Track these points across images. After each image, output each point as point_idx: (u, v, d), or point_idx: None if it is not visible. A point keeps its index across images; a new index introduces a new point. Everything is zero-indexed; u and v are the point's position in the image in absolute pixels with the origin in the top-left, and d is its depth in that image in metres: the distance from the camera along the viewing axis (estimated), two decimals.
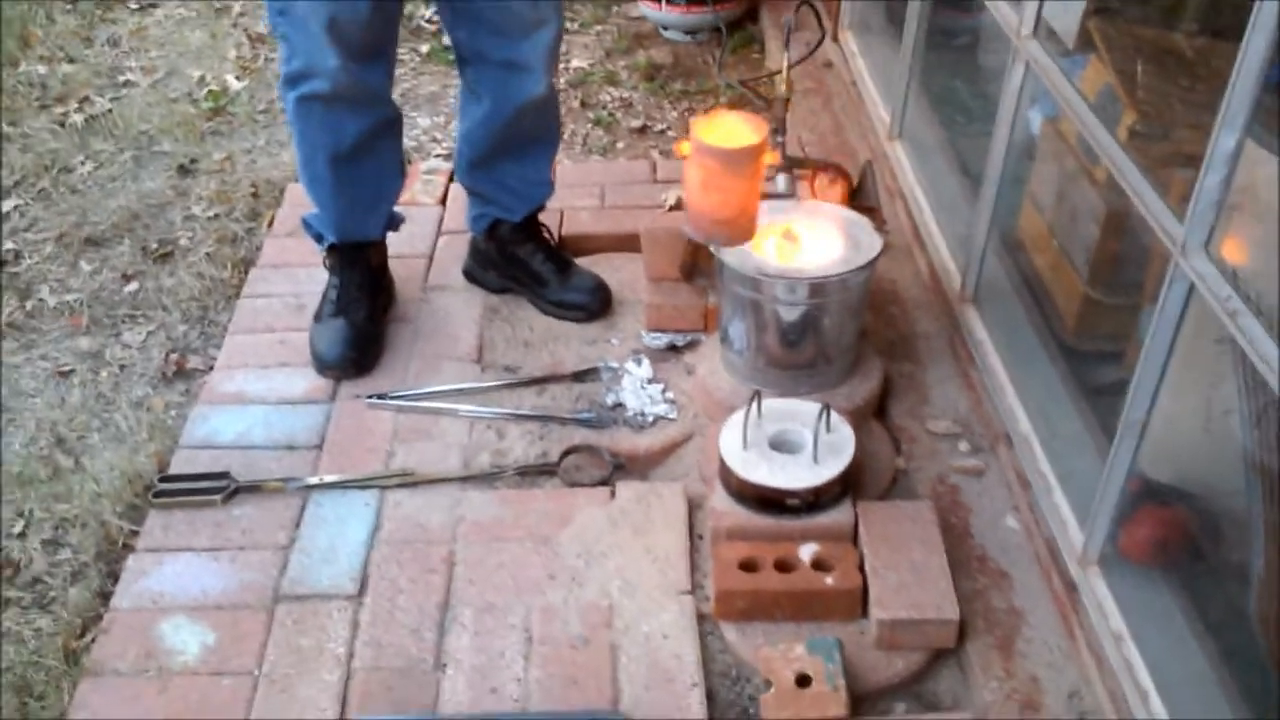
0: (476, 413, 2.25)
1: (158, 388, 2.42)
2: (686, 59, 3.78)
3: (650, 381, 2.33)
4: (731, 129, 1.87)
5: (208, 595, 1.88)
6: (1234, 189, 1.46)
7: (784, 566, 1.86)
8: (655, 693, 1.74)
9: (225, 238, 2.86)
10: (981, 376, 2.22)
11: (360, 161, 2.27)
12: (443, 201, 2.92)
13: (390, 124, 2.33)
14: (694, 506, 2.05)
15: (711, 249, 2.11)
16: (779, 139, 2.48)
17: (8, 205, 3.01)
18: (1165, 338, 1.57)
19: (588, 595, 1.88)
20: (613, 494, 2.07)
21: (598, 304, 2.51)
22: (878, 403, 2.24)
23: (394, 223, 2.48)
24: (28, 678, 1.82)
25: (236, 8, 4.09)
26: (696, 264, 2.40)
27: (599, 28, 3.99)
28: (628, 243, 2.73)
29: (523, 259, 2.53)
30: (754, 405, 1.98)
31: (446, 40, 3.83)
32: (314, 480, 2.07)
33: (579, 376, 2.35)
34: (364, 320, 2.37)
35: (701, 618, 1.86)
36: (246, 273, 2.66)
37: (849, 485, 1.96)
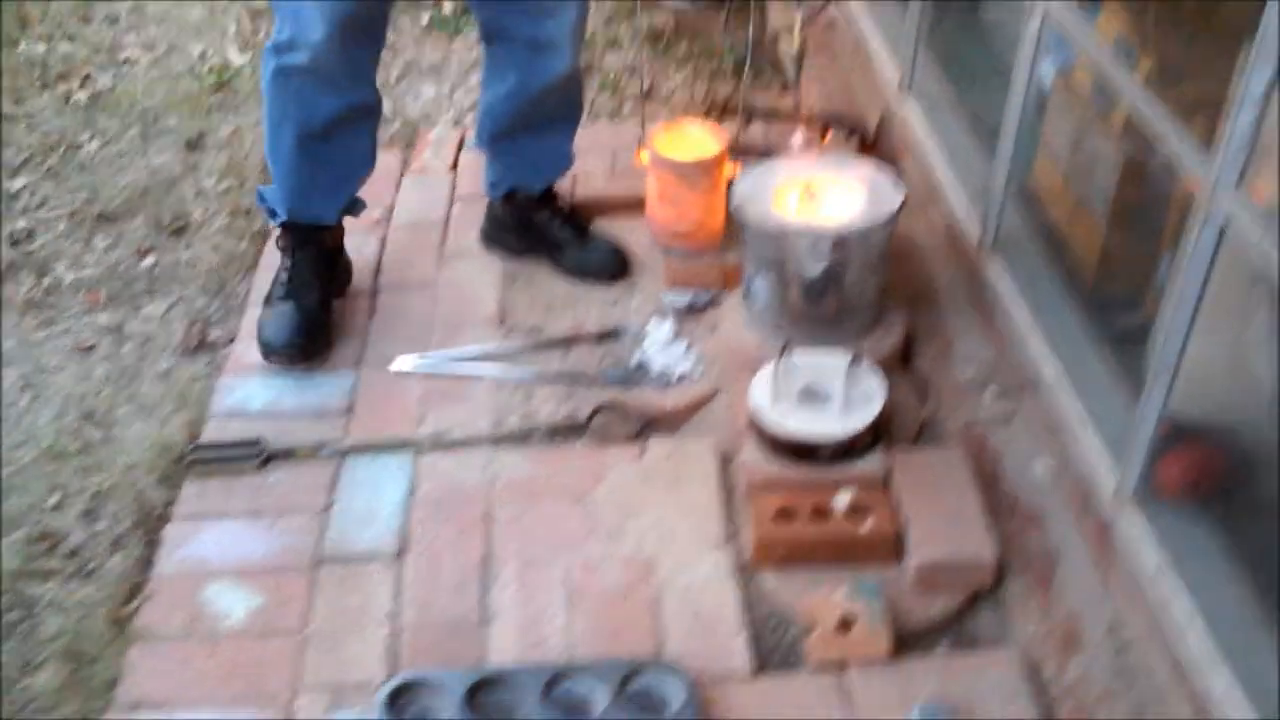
0: (503, 375, 2.26)
1: (181, 360, 2.42)
2: (688, 23, 3.77)
3: (673, 340, 2.34)
4: (693, 139, 1.85)
5: (249, 559, 1.90)
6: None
7: (820, 514, 1.89)
8: (698, 641, 1.76)
9: (238, 210, 2.85)
10: (1004, 325, 2.24)
11: (329, 143, 2.22)
12: (454, 167, 2.92)
13: (368, 110, 2.28)
14: (724, 461, 2.07)
15: (731, 208, 2.13)
16: (793, 96, 2.49)
17: (17, 184, 3.00)
18: (1197, 278, 1.58)
19: (625, 549, 1.90)
20: (643, 451, 2.09)
21: (617, 266, 2.52)
22: (902, 354, 2.26)
23: (354, 208, 2.41)
24: (75, 645, 1.83)
25: None
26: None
27: None
28: (641, 205, 2.73)
29: (540, 225, 2.54)
30: (783, 358, 1.99)
31: (446, 9, 3.85)
32: (348, 444, 2.09)
33: (602, 337, 2.37)
34: (314, 305, 2.30)
35: (739, 568, 1.89)
36: (263, 244, 2.67)
37: (880, 434, 1.98)
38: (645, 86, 2.21)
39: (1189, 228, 1.74)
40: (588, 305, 2.46)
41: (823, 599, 1.78)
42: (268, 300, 2.32)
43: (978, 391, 2.18)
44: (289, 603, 1.82)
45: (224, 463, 2.04)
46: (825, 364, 2.02)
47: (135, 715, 1.67)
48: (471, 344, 2.34)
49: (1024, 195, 2.43)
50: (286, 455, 2.07)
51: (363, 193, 2.52)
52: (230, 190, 2.94)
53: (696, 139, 1.83)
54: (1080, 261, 2.29)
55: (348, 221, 2.45)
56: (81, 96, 3.39)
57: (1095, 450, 1.91)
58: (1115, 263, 2.22)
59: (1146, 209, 2.17)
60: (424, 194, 2.83)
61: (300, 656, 1.75)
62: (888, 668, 1.72)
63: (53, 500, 2.10)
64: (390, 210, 2.76)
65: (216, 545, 1.91)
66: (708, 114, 2.51)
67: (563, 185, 2.63)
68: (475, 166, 2.65)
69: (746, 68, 2.51)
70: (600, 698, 1.65)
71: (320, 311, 2.31)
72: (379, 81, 2.32)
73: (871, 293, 2.18)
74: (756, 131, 2.76)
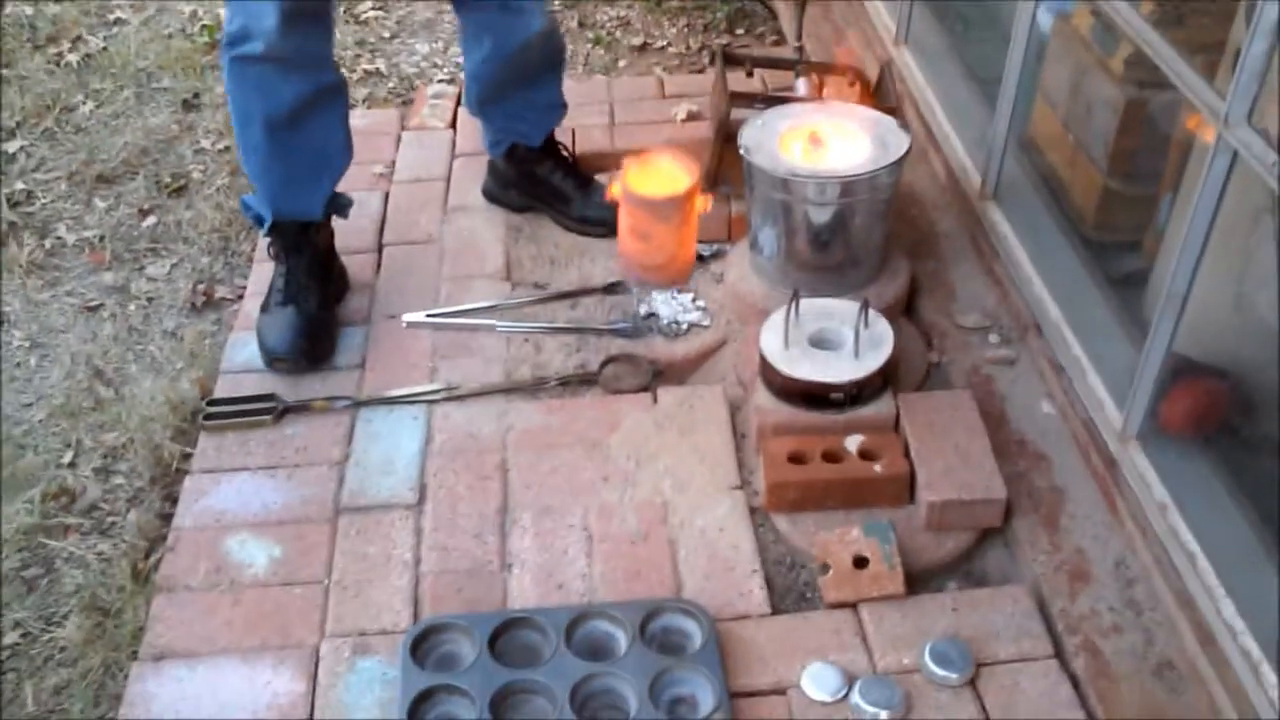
0: (513, 328, 2.27)
1: (189, 318, 2.43)
2: None
3: (680, 291, 2.35)
4: (664, 172, 1.83)
5: (269, 511, 1.91)
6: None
7: (832, 457, 1.92)
8: (716, 581, 1.79)
9: (238, 169, 2.84)
10: (1006, 270, 2.27)
11: (299, 129, 2.16)
12: (453, 125, 2.92)
13: (333, 91, 2.23)
14: (734, 408, 2.10)
15: (742, 153, 2.14)
16: (796, 43, 2.50)
17: (13, 146, 2.98)
18: (1207, 210, 1.61)
19: (641, 494, 1.93)
20: (655, 399, 2.11)
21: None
22: (906, 301, 2.28)
23: (340, 206, 2.33)
24: (98, 598, 1.85)
25: None
26: (720, 173, 2.42)
27: None
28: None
29: (543, 177, 2.54)
30: (793, 305, 2.01)
31: None
32: (362, 397, 2.10)
33: (610, 289, 2.38)
34: (315, 309, 2.23)
35: (752, 511, 1.92)
36: None
37: (888, 378, 2.00)
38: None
39: (1198, 162, 1.77)
40: (593, 258, 2.47)
41: (836, 539, 1.81)
42: (265, 307, 2.24)
43: (982, 336, 2.21)
44: (310, 552, 1.85)
45: (240, 417, 2.06)
46: (834, 311, 2.05)
47: (162, 664, 1.69)
48: (479, 298, 2.35)
49: (1023, 142, 2.45)
50: (301, 409, 2.09)
51: (364, 148, 2.52)
52: (229, 149, 2.94)
53: (667, 172, 1.82)
54: (1080, 207, 2.31)
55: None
56: (73, 58, 3.37)
57: (1099, 390, 1.95)
58: (1115, 207, 2.25)
59: (1146, 152, 2.20)
60: (424, 151, 2.83)
61: (323, 604, 1.77)
62: (901, 605, 1.75)
63: (67, 457, 2.11)
64: (391, 166, 2.76)
65: (236, 497, 1.93)
66: (711, 63, 2.50)
67: (563, 138, 2.63)
68: (473, 123, 2.64)
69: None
70: (622, 638, 1.69)
71: (321, 313, 2.25)
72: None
73: (877, 240, 2.20)
74: (757, 81, 2.76)
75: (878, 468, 1.89)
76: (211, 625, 1.74)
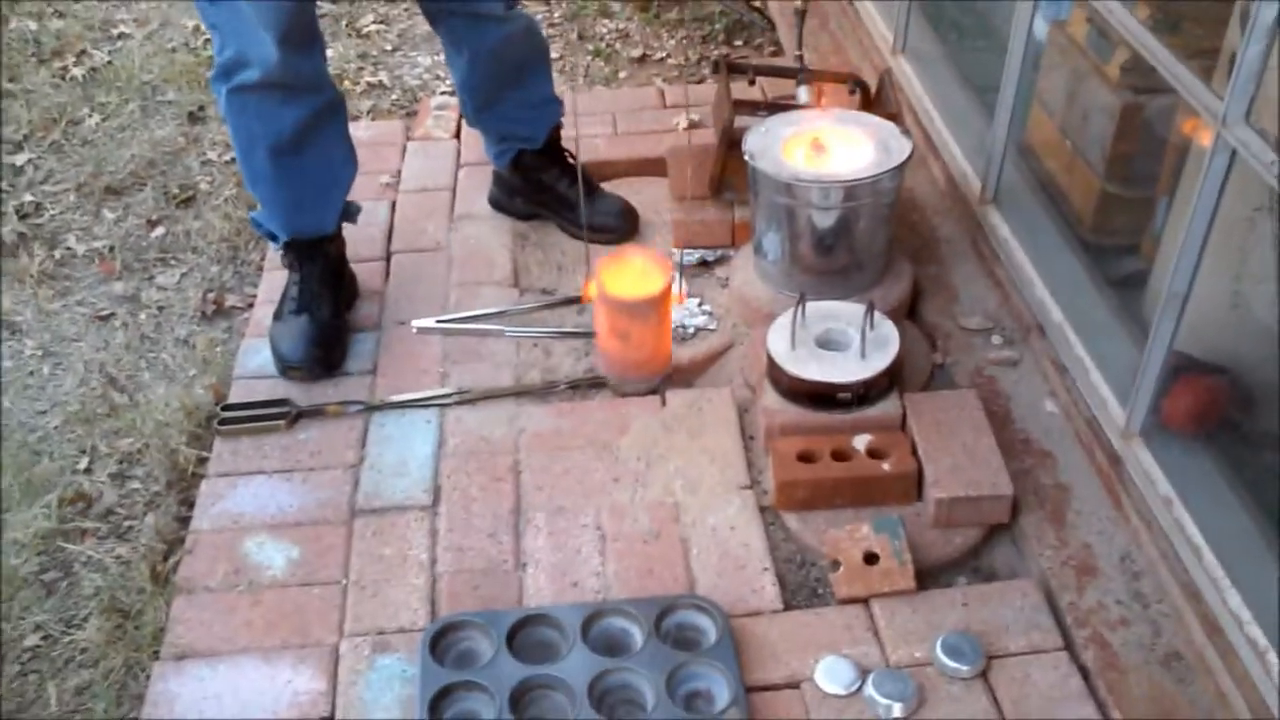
0: (522, 332, 2.30)
1: (200, 326, 2.46)
2: None
3: (686, 296, 2.39)
4: (638, 270, 1.87)
5: (286, 513, 1.94)
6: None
7: (840, 456, 1.94)
8: (728, 579, 1.82)
9: None
10: (1008, 273, 2.30)
11: (303, 152, 2.17)
12: (457, 135, 2.95)
13: (332, 109, 2.23)
14: (742, 410, 2.13)
15: (747, 159, 2.17)
16: (797, 52, 2.54)
17: (21, 159, 3.01)
18: (1207, 209, 1.64)
19: (652, 494, 1.96)
20: (664, 402, 2.14)
21: (626, 225, 2.57)
22: (910, 304, 2.31)
23: (350, 214, 2.35)
24: (118, 600, 1.87)
25: None
26: (724, 179, 2.45)
27: None
28: (645, 166, 2.78)
29: (549, 184, 2.57)
30: (800, 308, 2.05)
31: None
32: (374, 402, 2.13)
33: None
34: (328, 317, 2.24)
35: (762, 510, 1.94)
36: None
37: (895, 379, 2.04)
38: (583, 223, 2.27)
39: (1195, 164, 1.81)
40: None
41: (846, 536, 1.84)
42: (278, 315, 2.26)
43: (985, 338, 2.24)
44: (327, 553, 1.87)
45: (254, 421, 2.08)
46: (840, 313, 2.08)
47: (183, 663, 1.71)
48: (487, 304, 2.38)
49: (1021, 148, 2.49)
50: (315, 413, 2.11)
51: (370, 158, 2.55)
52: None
53: (641, 269, 1.87)
54: (1079, 210, 2.35)
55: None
56: (78, 72, 3.40)
57: (1102, 389, 1.98)
58: (1113, 210, 2.29)
59: (1143, 156, 2.24)
60: (429, 161, 2.86)
61: (342, 604, 1.79)
62: (912, 600, 1.78)
63: (83, 463, 2.13)
64: (397, 176, 2.79)
65: (252, 500, 1.95)
66: (714, 71, 2.54)
67: (567, 147, 2.66)
68: (477, 134, 2.67)
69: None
70: (638, 634, 1.71)
71: (334, 321, 2.27)
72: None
73: (880, 244, 2.24)
74: (758, 89, 2.81)
75: (886, 466, 1.92)
76: (232, 625, 1.76)
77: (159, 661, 1.71)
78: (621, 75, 3.40)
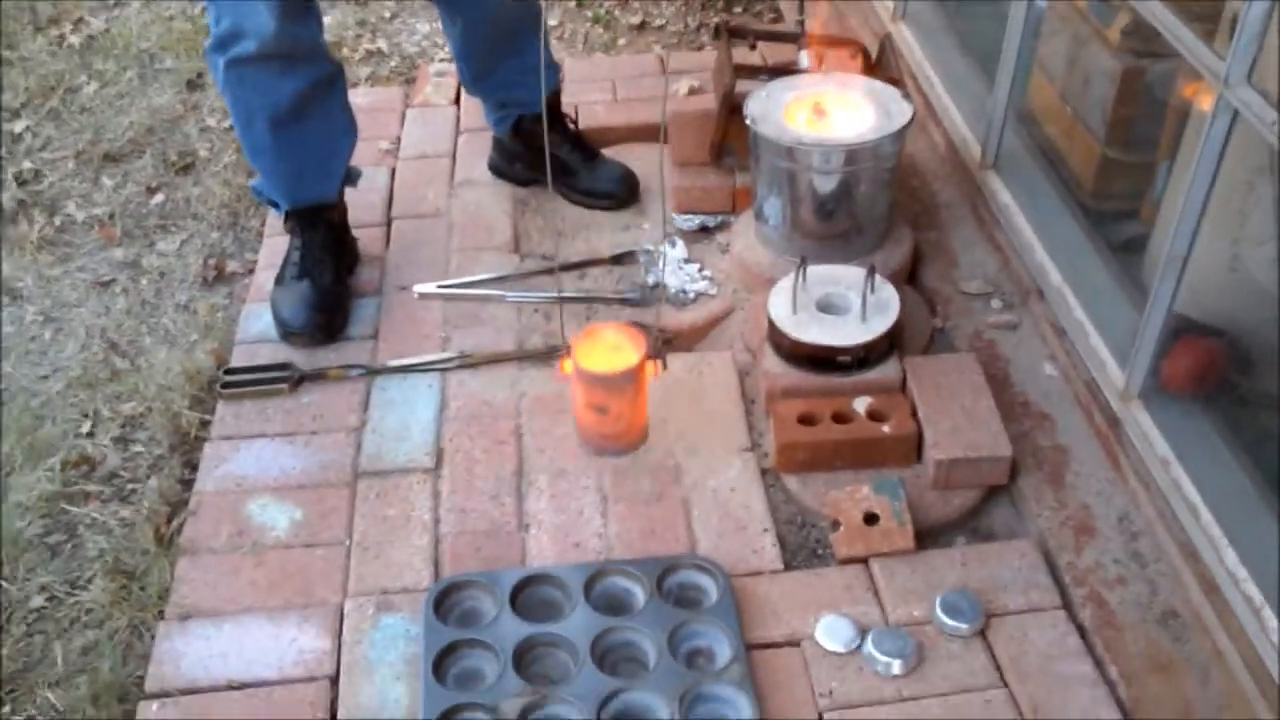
0: (523, 297, 2.31)
1: (201, 291, 2.46)
2: None
3: (686, 261, 2.39)
4: (612, 344, 1.89)
5: (289, 475, 1.95)
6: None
7: (841, 419, 1.95)
8: (729, 539, 1.83)
9: None
10: (1007, 238, 2.31)
11: (303, 122, 2.16)
12: (456, 101, 2.95)
13: (330, 79, 2.21)
14: (742, 374, 2.14)
15: (748, 122, 2.17)
16: (798, 17, 2.54)
17: (19, 126, 3.00)
18: (1208, 171, 1.65)
19: (654, 457, 1.97)
20: (664, 366, 2.14)
21: (626, 191, 2.57)
22: (910, 268, 2.32)
23: (351, 178, 2.35)
24: (122, 561, 1.88)
25: None
26: (724, 144, 2.45)
27: None
28: (645, 133, 2.78)
29: (550, 150, 2.55)
30: (801, 271, 2.05)
31: None
32: (376, 366, 2.14)
33: (617, 260, 2.42)
34: (330, 282, 2.25)
35: (763, 472, 1.95)
36: None
37: (895, 342, 2.04)
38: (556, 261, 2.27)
39: (1195, 128, 1.81)
40: (599, 230, 2.51)
41: (847, 497, 1.85)
42: (280, 280, 2.26)
43: (984, 302, 2.25)
44: (330, 515, 1.88)
45: (257, 385, 2.09)
46: (840, 277, 2.08)
47: (188, 623, 1.72)
48: (488, 270, 2.38)
49: (1021, 113, 2.49)
50: (317, 377, 2.12)
51: (369, 125, 2.54)
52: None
53: (614, 343, 1.88)
54: (1079, 175, 2.36)
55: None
56: (75, 40, 3.39)
57: (1101, 352, 1.99)
58: (1113, 175, 2.29)
59: (1143, 121, 2.24)
60: (429, 128, 2.85)
61: (345, 564, 1.80)
62: (911, 560, 1.79)
63: (85, 427, 2.14)
64: (397, 143, 2.79)
65: (255, 463, 1.96)
66: (715, 36, 2.53)
67: (567, 113, 2.66)
68: (477, 101, 2.67)
69: None
70: (640, 593, 1.72)
71: (336, 287, 2.27)
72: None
73: (881, 209, 2.24)
74: (758, 55, 2.80)
75: (886, 428, 1.93)
76: (236, 585, 1.78)
77: (164, 621, 1.72)
78: (621, 42, 3.38)
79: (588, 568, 1.76)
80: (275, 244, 2.44)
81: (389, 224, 2.53)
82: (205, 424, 2.07)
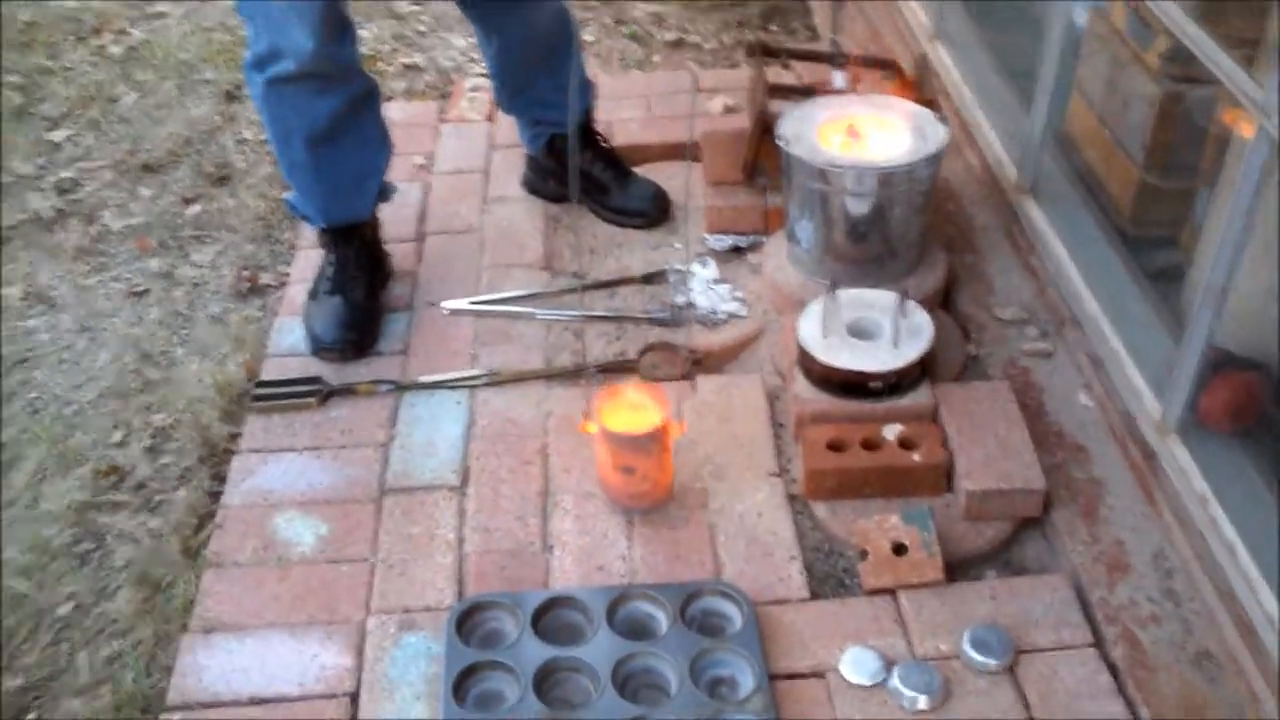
0: (553, 315, 2.30)
1: (234, 303, 2.47)
2: None
3: (717, 281, 2.38)
4: (635, 404, 1.87)
5: (316, 490, 1.95)
6: None
7: (870, 446, 1.93)
8: (755, 566, 1.81)
9: None
10: (1044, 264, 2.28)
11: (338, 141, 2.18)
12: (491, 118, 2.95)
13: (366, 97, 2.23)
14: (772, 397, 2.12)
15: (780, 143, 2.16)
16: (832, 36, 2.52)
17: (60, 135, 3.03)
18: (1248, 200, 1.62)
19: (681, 479, 1.95)
20: (693, 388, 2.13)
21: (658, 210, 2.56)
22: (944, 293, 2.30)
23: (385, 194, 2.36)
24: (148, 573, 1.89)
25: None
26: (757, 164, 2.44)
27: None
28: (678, 151, 2.77)
29: (583, 168, 2.56)
30: (832, 295, 2.03)
31: None
32: (405, 381, 2.14)
33: (648, 279, 2.41)
34: (362, 298, 2.26)
35: (791, 498, 1.94)
36: None
37: (927, 369, 2.02)
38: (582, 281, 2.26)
39: (1236, 155, 1.78)
40: (631, 249, 2.50)
41: (875, 526, 1.83)
42: (313, 294, 2.28)
43: (1019, 329, 2.22)
44: (356, 530, 1.88)
45: (286, 399, 2.09)
46: (873, 301, 2.07)
47: (212, 636, 1.72)
48: (519, 287, 2.38)
49: (1059, 137, 2.46)
50: (346, 392, 2.12)
51: (403, 140, 2.54)
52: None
53: (637, 403, 1.87)
54: (1117, 201, 2.33)
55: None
56: (116, 50, 3.42)
57: (1138, 383, 1.96)
58: (1152, 201, 2.26)
59: (1183, 146, 2.21)
60: (463, 143, 2.86)
61: (369, 581, 1.80)
62: (940, 592, 1.76)
63: (117, 436, 2.15)
64: (431, 158, 2.79)
65: (283, 477, 1.96)
66: (749, 55, 2.52)
67: (601, 131, 2.66)
68: (510, 117, 2.67)
69: None
70: (663, 619, 1.71)
71: (368, 303, 2.28)
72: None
73: (915, 233, 2.22)
74: (792, 74, 2.79)
75: (916, 456, 1.91)
76: (260, 600, 1.78)
77: (188, 634, 1.73)
78: (656, 59, 3.38)
79: (611, 591, 1.74)
80: (308, 257, 2.45)
81: (422, 239, 2.53)
82: (235, 436, 2.08)
